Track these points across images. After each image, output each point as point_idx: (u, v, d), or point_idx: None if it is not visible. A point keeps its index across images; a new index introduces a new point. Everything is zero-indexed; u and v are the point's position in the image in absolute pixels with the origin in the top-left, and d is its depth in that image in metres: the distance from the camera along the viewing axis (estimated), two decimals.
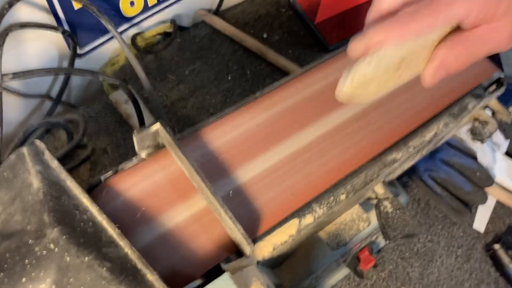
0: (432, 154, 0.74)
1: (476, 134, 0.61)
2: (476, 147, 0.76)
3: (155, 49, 0.78)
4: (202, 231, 0.43)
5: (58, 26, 0.64)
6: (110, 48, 0.73)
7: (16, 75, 0.57)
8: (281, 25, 0.86)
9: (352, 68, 0.40)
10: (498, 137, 0.80)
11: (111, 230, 0.38)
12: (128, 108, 0.67)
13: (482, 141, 0.61)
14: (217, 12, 0.87)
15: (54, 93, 0.68)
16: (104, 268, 0.36)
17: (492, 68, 0.58)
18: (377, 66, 0.39)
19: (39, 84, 0.66)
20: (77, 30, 0.67)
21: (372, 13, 0.39)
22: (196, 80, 0.74)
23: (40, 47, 0.64)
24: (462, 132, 0.76)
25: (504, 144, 0.80)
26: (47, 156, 0.41)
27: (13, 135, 0.60)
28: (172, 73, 0.75)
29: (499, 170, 0.77)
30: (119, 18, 0.71)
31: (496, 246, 0.71)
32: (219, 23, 0.82)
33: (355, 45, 0.37)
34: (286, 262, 0.47)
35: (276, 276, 0.43)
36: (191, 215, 0.44)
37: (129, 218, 0.42)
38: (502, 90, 0.56)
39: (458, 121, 0.54)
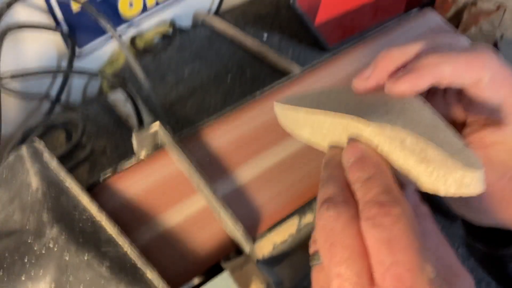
0: None
1: None
2: None
3: (154, 50, 0.78)
4: (201, 230, 0.43)
5: (56, 26, 0.64)
6: (109, 49, 0.73)
7: (14, 75, 0.57)
8: (281, 26, 0.85)
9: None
10: None
11: (111, 229, 0.38)
12: (127, 109, 0.67)
13: None
14: (216, 13, 0.87)
15: (53, 93, 0.68)
16: (104, 267, 0.36)
17: None
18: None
19: (37, 85, 0.66)
20: (76, 31, 0.66)
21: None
22: (195, 81, 0.74)
23: (38, 48, 0.64)
24: None
25: None
26: (46, 155, 0.41)
27: (12, 136, 0.60)
28: (171, 74, 0.75)
29: None
30: (118, 19, 0.71)
31: None
32: (219, 24, 0.82)
33: (404, 83, 0.36)
34: (286, 260, 0.47)
35: (276, 274, 0.43)
36: (191, 214, 0.43)
37: (128, 217, 0.42)
38: None
39: None
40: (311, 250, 0.34)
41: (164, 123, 0.45)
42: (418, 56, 0.36)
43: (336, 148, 0.36)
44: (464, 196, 0.30)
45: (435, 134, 0.31)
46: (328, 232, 0.30)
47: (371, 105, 0.35)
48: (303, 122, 0.39)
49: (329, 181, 0.33)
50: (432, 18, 0.61)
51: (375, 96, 0.37)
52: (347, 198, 0.31)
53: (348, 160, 0.33)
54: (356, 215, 0.30)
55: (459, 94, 0.38)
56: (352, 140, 0.34)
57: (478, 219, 0.40)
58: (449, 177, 0.30)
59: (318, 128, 0.38)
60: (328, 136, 0.37)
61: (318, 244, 0.31)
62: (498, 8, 0.86)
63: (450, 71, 0.34)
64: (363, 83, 0.38)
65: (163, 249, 0.41)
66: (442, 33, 0.39)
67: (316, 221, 0.32)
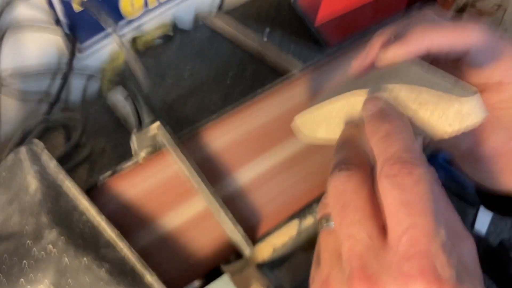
0: (434, 155, 0.74)
1: None
2: None
3: (155, 51, 0.77)
4: (201, 232, 0.43)
5: (57, 26, 0.64)
6: (109, 49, 0.73)
7: (14, 75, 0.57)
8: (281, 27, 0.85)
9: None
10: None
11: (110, 231, 0.38)
12: (126, 109, 0.67)
13: None
14: (217, 13, 0.87)
15: (52, 93, 0.68)
16: (103, 269, 0.36)
17: None
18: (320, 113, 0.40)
19: (37, 84, 0.66)
20: (77, 30, 0.66)
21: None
22: (195, 81, 0.74)
23: (39, 47, 0.64)
24: None
25: None
26: (45, 156, 0.41)
27: (11, 135, 0.60)
28: (171, 74, 0.74)
29: None
30: (119, 19, 0.71)
31: None
32: (219, 25, 0.82)
33: (393, 50, 0.38)
34: (286, 263, 0.47)
35: (276, 277, 0.43)
36: (191, 216, 0.43)
37: (128, 219, 0.42)
38: None
39: None
40: (319, 215, 0.34)
41: (164, 123, 0.45)
42: (407, 28, 0.38)
43: (350, 126, 0.37)
44: (471, 127, 0.30)
45: (425, 82, 0.32)
46: (340, 193, 0.30)
47: (367, 80, 0.37)
48: (317, 121, 0.40)
49: (344, 146, 0.34)
50: None
51: (370, 72, 0.39)
52: (360, 161, 0.32)
53: (368, 110, 0.33)
54: (368, 177, 0.30)
55: (457, 62, 0.39)
56: (372, 95, 0.34)
57: (492, 184, 0.41)
58: (448, 113, 0.30)
59: (330, 120, 0.39)
60: (340, 124, 0.38)
61: (329, 206, 0.32)
62: (498, 8, 0.86)
63: (437, 40, 0.36)
64: (360, 63, 0.40)
65: (163, 252, 0.41)
66: (430, 10, 0.42)
67: (328, 183, 0.31)
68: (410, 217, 0.27)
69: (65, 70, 0.67)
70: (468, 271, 0.27)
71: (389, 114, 0.31)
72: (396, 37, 0.38)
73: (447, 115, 0.30)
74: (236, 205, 0.44)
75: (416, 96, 0.31)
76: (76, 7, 0.63)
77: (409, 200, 0.27)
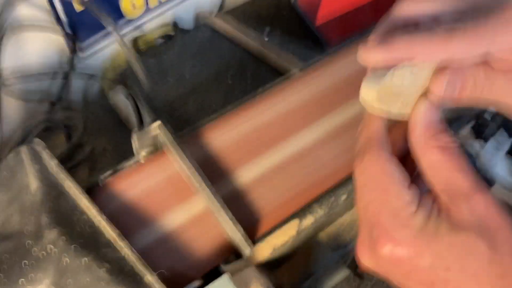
0: None
1: (479, 133, 0.60)
2: (479, 146, 0.75)
3: (156, 51, 0.77)
4: (201, 232, 0.43)
5: (59, 27, 0.64)
6: (110, 50, 0.73)
7: (16, 76, 0.57)
8: (282, 27, 0.85)
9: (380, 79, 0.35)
10: (502, 135, 0.79)
11: (110, 231, 0.38)
12: (127, 109, 0.67)
13: (485, 139, 0.60)
14: (218, 13, 0.87)
15: (53, 93, 0.68)
16: (103, 269, 0.36)
17: None
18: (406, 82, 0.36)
19: (38, 84, 0.66)
20: (78, 31, 0.66)
21: (390, 20, 0.36)
22: (196, 81, 0.74)
23: (40, 48, 0.64)
24: (465, 131, 0.76)
25: (507, 142, 0.79)
26: (46, 155, 0.41)
27: (12, 135, 0.60)
28: (172, 74, 0.74)
29: (501, 170, 0.76)
30: (120, 20, 0.71)
31: None
32: (220, 25, 0.82)
33: (375, 54, 0.34)
34: (286, 263, 0.47)
35: (276, 277, 0.43)
36: (191, 216, 0.43)
37: (128, 219, 0.42)
38: None
39: None
40: None
41: (165, 123, 0.45)
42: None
43: None
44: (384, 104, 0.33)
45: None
46: (358, 175, 0.36)
47: None
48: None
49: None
50: None
51: None
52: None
53: None
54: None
55: None
56: None
57: None
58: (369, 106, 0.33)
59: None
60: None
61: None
62: None
63: (460, 49, 0.33)
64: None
65: (163, 252, 0.41)
66: None
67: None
68: (367, 195, 0.33)
69: (66, 70, 0.67)
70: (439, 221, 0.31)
71: (363, 119, 0.36)
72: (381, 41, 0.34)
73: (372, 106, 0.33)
74: (236, 204, 0.44)
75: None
76: (77, 7, 0.63)
77: (365, 181, 0.34)
